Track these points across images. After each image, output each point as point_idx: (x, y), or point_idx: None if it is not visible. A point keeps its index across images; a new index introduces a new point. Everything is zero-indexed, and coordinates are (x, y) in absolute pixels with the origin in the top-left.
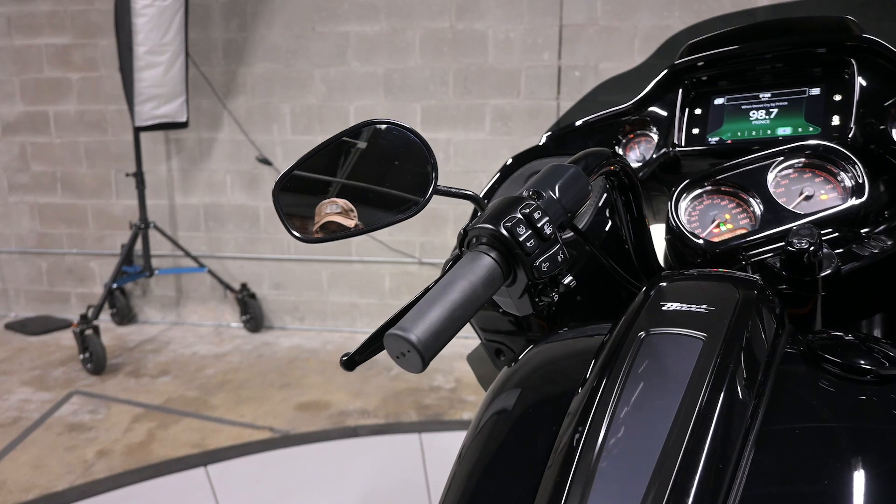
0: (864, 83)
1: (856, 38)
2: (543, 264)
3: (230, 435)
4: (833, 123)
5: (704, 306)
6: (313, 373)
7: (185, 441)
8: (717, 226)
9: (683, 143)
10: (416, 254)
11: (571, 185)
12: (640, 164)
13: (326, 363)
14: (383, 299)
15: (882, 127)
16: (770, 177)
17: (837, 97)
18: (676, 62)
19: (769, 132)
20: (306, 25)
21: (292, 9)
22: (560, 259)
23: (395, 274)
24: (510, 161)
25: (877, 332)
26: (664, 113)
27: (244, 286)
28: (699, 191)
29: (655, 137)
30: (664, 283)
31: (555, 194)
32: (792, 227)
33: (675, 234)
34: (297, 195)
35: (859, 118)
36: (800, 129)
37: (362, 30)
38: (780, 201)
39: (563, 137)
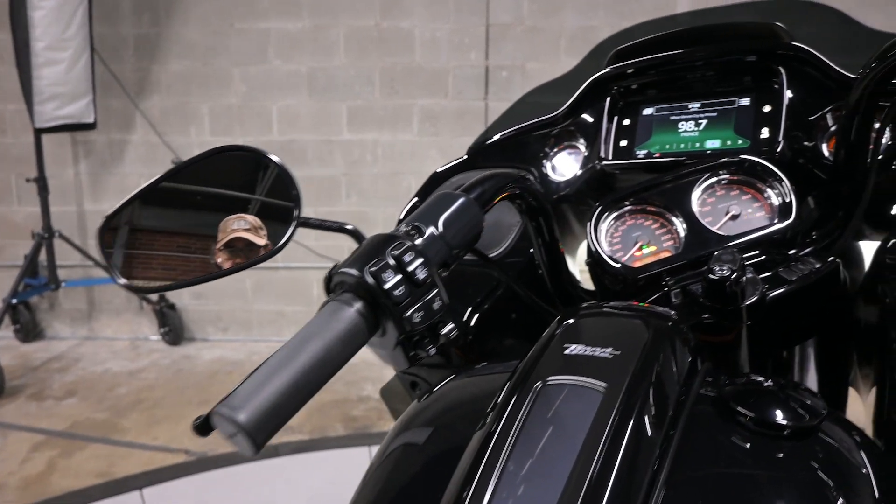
0: (792, 94)
1: (784, 45)
2: (416, 315)
3: (140, 460)
4: (762, 136)
5: (609, 350)
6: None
7: (89, 470)
8: (640, 248)
9: (611, 157)
10: (344, 258)
11: (459, 217)
12: (567, 178)
13: None
14: (311, 306)
15: (810, 141)
16: (695, 195)
17: (767, 108)
18: (602, 70)
19: (698, 145)
20: (224, 21)
21: (209, 4)
22: (437, 307)
23: (323, 281)
24: (431, 179)
25: (809, 359)
26: (592, 123)
27: (162, 296)
28: (621, 210)
29: (584, 149)
30: (571, 321)
31: (438, 229)
32: (715, 252)
33: (594, 259)
34: (136, 234)
35: (788, 131)
36: (728, 142)
37: (284, 27)
38: (704, 222)
39: (487, 151)
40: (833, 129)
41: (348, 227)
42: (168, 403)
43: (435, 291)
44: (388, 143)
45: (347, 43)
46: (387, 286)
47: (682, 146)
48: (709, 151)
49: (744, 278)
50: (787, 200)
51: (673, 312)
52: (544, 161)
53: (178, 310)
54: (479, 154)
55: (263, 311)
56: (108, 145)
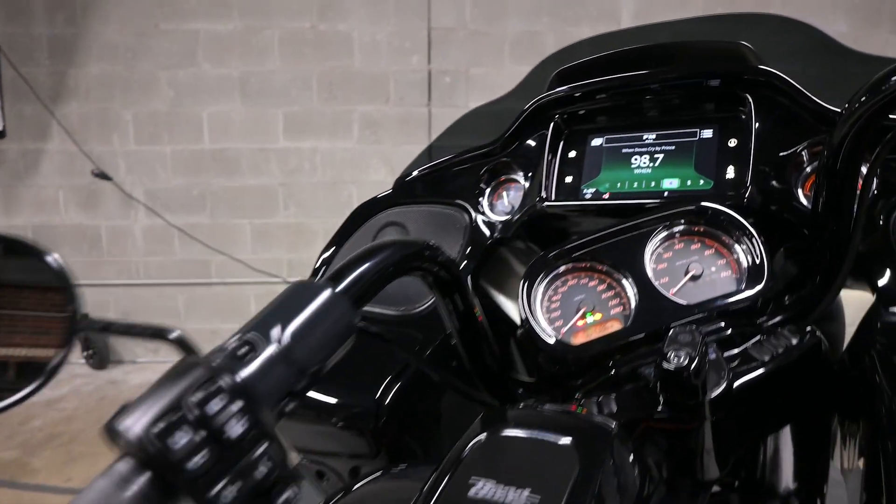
0: (761, 126)
1: (752, 69)
2: (227, 491)
3: None
4: (727, 176)
5: (527, 492)
6: None
7: None
8: (583, 316)
9: (554, 196)
10: (282, 272)
11: (318, 322)
12: (505, 217)
13: None
14: None
15: (783, 183)
16: (648, 249)
17: (732, 142)
18: (542, 95)
19: (653, 184)
20: (148, 22)
21: (130, 2)
22: (264, 472)
23: (262, 295)
24: (354, 215)
25: (784, 444)
26: (533, 154)
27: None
28: (561, 269)
29: (524, 183)
30: (482, 440)
31: (282, 343)
32: (670, 330)
33: (525, 332)
34: None
35: (757, 170)
36: (689, 182)
37: (213, 28)
38: (659, 284)
39: (414, 184)
40: (809, 168)
41: (170, 334)
42: (87, 438)
43: (263, 448)
44: (327, 150)
45: (282, 46)
46: (178, 455)
47: (635, 185)
48: (665, 193)
49: (706, 364)
50: (758, 262)
51: (614, 425)
52: (479, 198)
53: None
54: (405, 188)
55: (198, 329)
56: (22, 155)
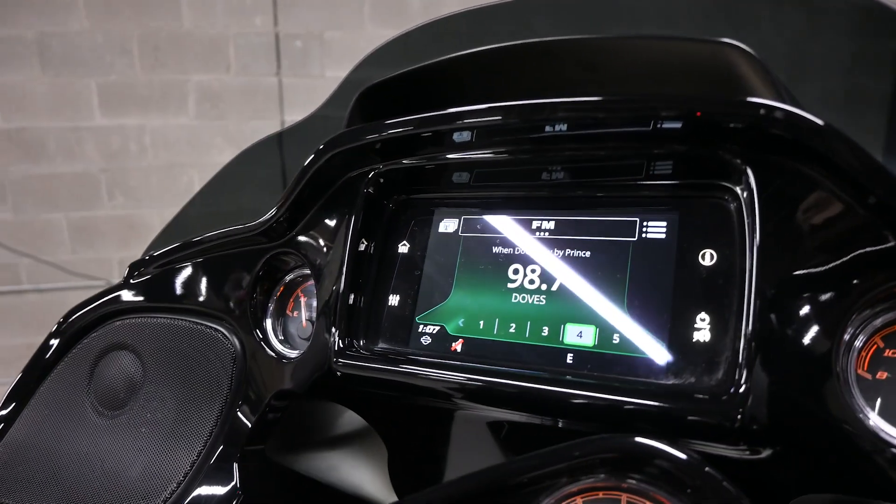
0: (769, 222)
1: (755, 108)
2: None
3: None
4: (694, 339)
5: None
6: None
7: None
8: None
9: (356, 343)
10: (112, 275)
11: None
12: (297, 354)
13: None
14: None
15: (812, 370)
16: None
17: (707, 256)
18: (333, 146)
19: (545, 333)
20: None
21: None
22: None
23: None
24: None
25: None
26: (335, 237)
27: None
28: None
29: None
30: None
31: None
32: None
33: None
34: None
35: (762, 332)
36: (616, 340)
37: None
38: None
39: (159, 279)
40: (880, 322)
41: None
42: None
43: None
44: (158, 129)
45: (89, 1)
46: None
47: (511, 329)
48: (569, 358)
49: None
50: None
51: None
52: (259, 314)
53: None
54: (145, 283)
55: (7, 346)
56: None
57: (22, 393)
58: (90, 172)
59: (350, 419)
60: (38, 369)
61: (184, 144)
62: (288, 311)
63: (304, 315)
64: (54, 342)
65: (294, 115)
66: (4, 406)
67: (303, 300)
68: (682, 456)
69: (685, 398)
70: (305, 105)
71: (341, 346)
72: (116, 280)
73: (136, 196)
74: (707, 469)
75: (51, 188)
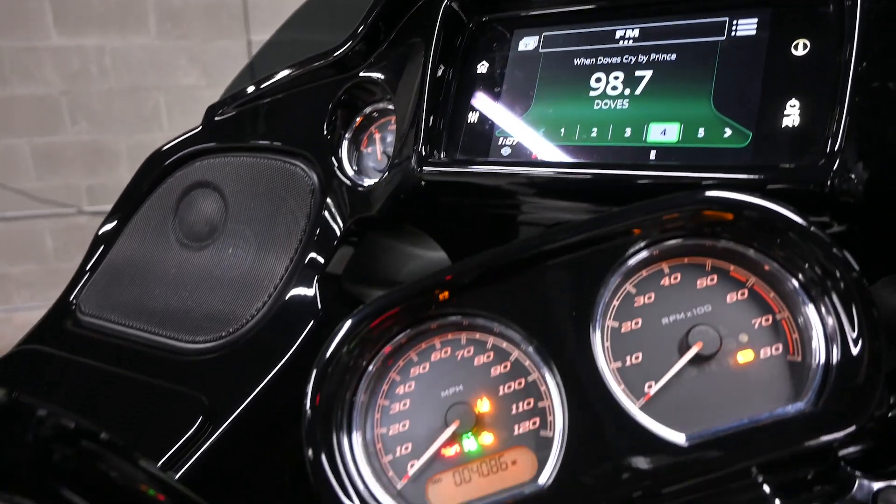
0: (872, 14)
1: None
2: None
3: None
4: (786, 124)
5: None
6: None
7: None
8: (453, 440)
9: (439, 153)
10: (81, 202)
11: None
12: (374, 180)
13: None
14: (47, 263)
15: None
16: (603, 295)
17: (800, 46)
18: None
19: (628, 133)
20: None
21: None
22: None
23: (59, 230)
24: (150, 162)
25: None
26: (414, 62)
27: None
28: (417, 337)
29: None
30: None
31: None
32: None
33: (321, 480)
34: None
35: (857, 111)
36: (701, 134)
37: None
38: (620, 391)
39: (233, 121)
40: None
41: None
42: None
43: None
44: (118, 49)
45: None
46: None
47: (593, 133)
48: (652, 153)
49: None
50: (853, 333)
51: None
52: (337, 147)
53: None
54: (220, 127)
55: None
56: None
57: (118, 210)
58: (50, 96)
59: (419, 265)
60: (133, 199)
61: (147, 66)
62: (363, 147)
63: (378, 149)
64: (142, 182)
65: (261, 35)
66: (108, 221)
67: (377, 136)
68: (796, 219)
69: (774, 170)
70: (271, 23)
71: (423, 154)
72: (87, 207)
73: (101, 120)
74: (813, 228)
75: (10, 112)
